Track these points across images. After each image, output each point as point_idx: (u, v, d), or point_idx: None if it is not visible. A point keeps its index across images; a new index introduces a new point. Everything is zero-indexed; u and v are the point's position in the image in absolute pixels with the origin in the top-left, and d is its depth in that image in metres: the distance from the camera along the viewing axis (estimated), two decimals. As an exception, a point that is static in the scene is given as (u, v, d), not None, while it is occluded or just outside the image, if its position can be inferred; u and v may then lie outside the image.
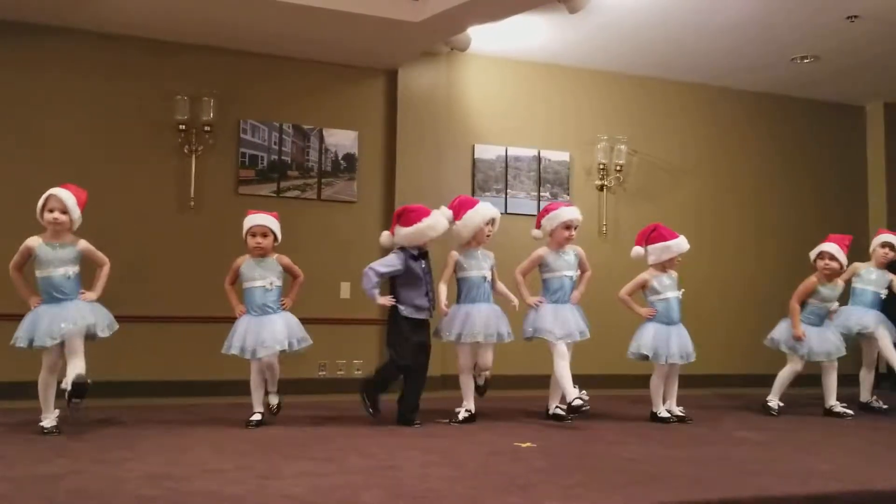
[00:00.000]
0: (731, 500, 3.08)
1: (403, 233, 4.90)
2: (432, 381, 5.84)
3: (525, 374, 6.34)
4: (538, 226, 5.39)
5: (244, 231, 4.93)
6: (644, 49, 7.13)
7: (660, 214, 6.82)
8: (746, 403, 6.14)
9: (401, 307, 4.91)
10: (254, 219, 4.92)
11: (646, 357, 5.25)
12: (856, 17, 6.21)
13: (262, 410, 4.87)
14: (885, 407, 5.93)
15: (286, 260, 5.00)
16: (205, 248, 6.39)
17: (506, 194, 7.34)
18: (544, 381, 5.32)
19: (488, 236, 5.19)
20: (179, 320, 6.34)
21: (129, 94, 6.40)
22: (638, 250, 5.39)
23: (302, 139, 6.88)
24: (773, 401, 5.72)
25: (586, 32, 6.73)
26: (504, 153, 7.40)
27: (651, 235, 5.37)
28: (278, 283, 4.93)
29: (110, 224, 5.83)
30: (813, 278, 5.61)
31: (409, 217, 4.91)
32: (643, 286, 5.37)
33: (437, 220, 4.96)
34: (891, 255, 5.93)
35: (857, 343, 6.04)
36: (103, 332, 4.54)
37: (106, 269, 4.69)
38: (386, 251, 5.07)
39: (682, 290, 5.37)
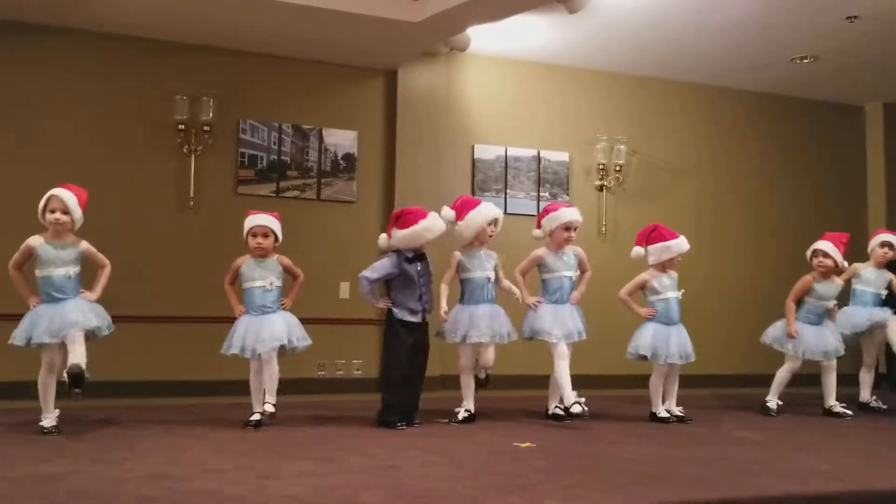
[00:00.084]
0: (731, 500, 3.08)
1: (400, 235, 4.89)
2: (432, 382, 5.86)
3: (525, 374, 6.33)
4: (539, 226, 5.39)
5: (245, 231, 4.93)
6: (644, 49, 7.13)
7: (659, 215, 6.82)
8: (746, 403, 6.14)
9: (395, 310, 4.90)
10: (255, 219, 4.92)
11: (644, 357, 5.25)
12: (855, 17, 6.22)
13: (261, 410, 4.86)
14: (884, 407, 5.93)
15: (286, 261, 5.00)
16: (204, 248, 6.39)
17: (505, 194, 7.34)
18: (544, 381, 5.32)
19: (491, 236, 5.17)
20: (179, 320, 6.34)
21: (129, 94, 6.40)
22: (638, 250, 5.39)
23: (301, 139, 6.88)
24: (772, 401, 5.72)
25: (586, 32, 6.73)
26: (504, 153, 7.40)
27: (651, 235, 5.37)
28: (278, 283, 4.94)
29: (109, 224, 5.83)
30: (808, 276, 5.64)
31: (406, 219, 4.89)
32: (643, 286, 5.37)
33: (434, 222, 4.93)
34: (890, 254, 5.93)
35: (857, 343, 6.04)
36: (101, 331, 4.54)
37: (107, 271, 4.69)
38: (384, 254, 5.07)
39: (682, 290, 5.37)
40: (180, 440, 4.26)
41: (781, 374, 5.71)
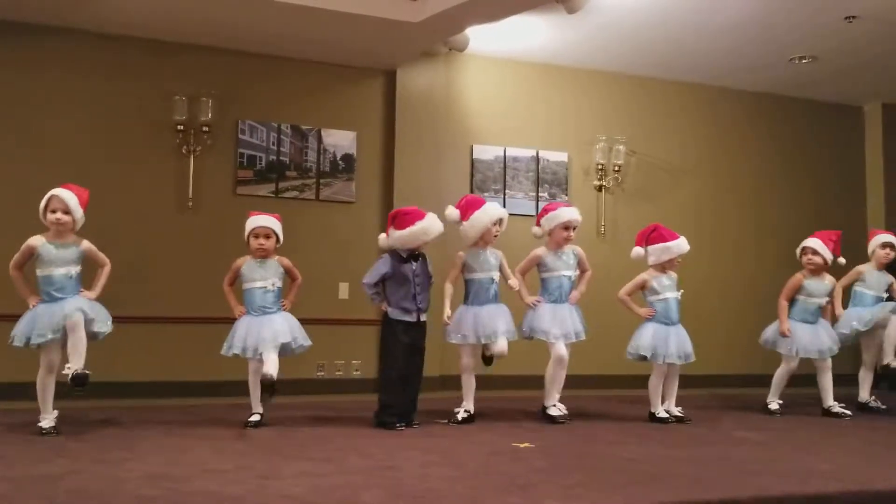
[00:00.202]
0: (731, 500, 3.08)
1: (397, 235, 4.88)
2: (432, 382, 5.86)
3: (525, 375, 6.33)
4: (538, 225, 5.39)
5: (246, 232, 4.93)
6: (643, 49, 7.13)
7: (659, 215, 6.82)
8: (746, 403, 6.14)
9: (389, 309, 4.90)
10: (257, 220, 4.92)
11: (644, 357, 5.26)
12: (854, 17, 6.22)
13: (260, 411, 4.86)
14: (883, 407, 5.93)
15: (287, 262, 5.01)
16: (203, 248, 6.39)
17: (504, 195, 7.34)
18: (544, 381, 5.32)
19: (496, 236, 5.17)
20: (178, 321, 6.34)
21: (129, 95, 6.39)
22: (638, 251, 5.39)
23: (300, 139, 6.88)
24: (773, 402, 5.73)
25: (585, 32, 6.73)
26: (502, 153, 7.40)
27: (651, 236, 5.37)
28: (279, 284, 4.94)
29: (109, 224, 5.81)
30: (798, 274, 5.67)
31: (403, 220, 4.88)
32: (643, 286, 5.37)
33: (431, 223, 4.91)
34: (892, 255, 5.93)
35: (857, 343, 6.04)
36: (101, 329, 4.54)
37: (107, 270, 4.70)
38: (384, 253, 5.06)
39: (682, 290, 5.38)
40: (180, 440, 4.26)
41: (779, 375, 5.72)
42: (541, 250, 5.31)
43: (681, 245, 5.34)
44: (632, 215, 7.49)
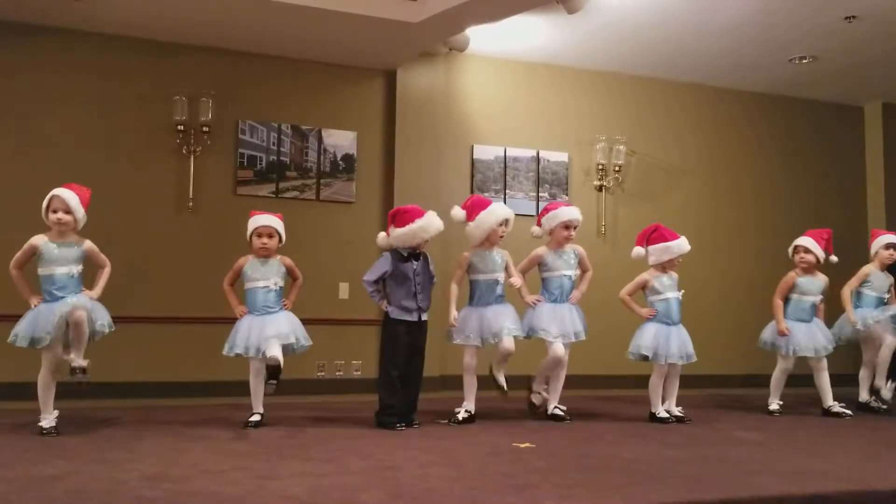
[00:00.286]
0: (731, 500, 3.08)
1: (397, 234, 4.88)
2: (433, 382, 5.86)
3: (525, 375, 6.32)
4: (539, 224, 5.39)
5: (249, 231, 4.93)
6: (643, 49, 7.13)
7: (659, 215, 6.83)
8: (745, 403, 6.14)
9: (390, 309, 4.89)
10: (260, 219, 4.93)
11: (645, 357, 5.26)
12: (854, 17, 6.22)
13: (261, 411, 4.86)
14: (883, 407, 5.92)
15: (289, 261, 5.01)
16: (203, 248, 6.39)
17: (504, 195, 7.34)
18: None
19: (502, 237, 5.16)
20: (178, 321, 6.34)
21: (129, 94, 6.40)
22: (639, 251, 5.39)
23: (300, 140, 6.88)
24: (774, 403, 5.74)
25: (585, 33, 6.73)
26: (503, 153, 7.40)
27: (652, 236, 5.37)
28: (281, 283, 4.95)
29: (109, 224, 5.82)
30: (791, 273, 5.70)
31: (403, 218, 4.88)
32: (643, 286, 5.38)
33: (430, 221, 4.90)
34: (895, 255, 5.93)
35: (857, 343, 6.04)
36: (102, 328, 4.55)
37: (107, 271, 4.70)
38: (385, 252, 5.07)
39: (683, 290, 5.38)
40: (179, 441, 4.26)
41: (776, 377, 5.75)
42: (542, 250, 5.32)
43: (681, 245, 5.34)
44: (632, 215, 7.49)
